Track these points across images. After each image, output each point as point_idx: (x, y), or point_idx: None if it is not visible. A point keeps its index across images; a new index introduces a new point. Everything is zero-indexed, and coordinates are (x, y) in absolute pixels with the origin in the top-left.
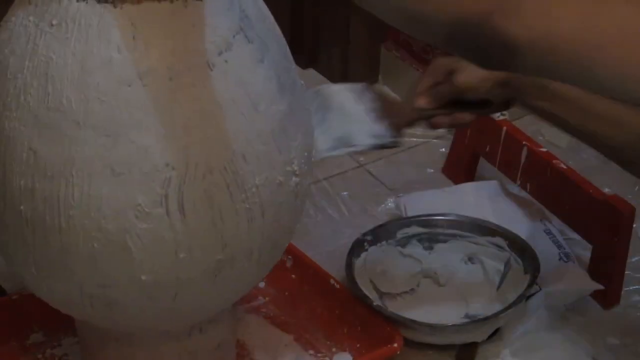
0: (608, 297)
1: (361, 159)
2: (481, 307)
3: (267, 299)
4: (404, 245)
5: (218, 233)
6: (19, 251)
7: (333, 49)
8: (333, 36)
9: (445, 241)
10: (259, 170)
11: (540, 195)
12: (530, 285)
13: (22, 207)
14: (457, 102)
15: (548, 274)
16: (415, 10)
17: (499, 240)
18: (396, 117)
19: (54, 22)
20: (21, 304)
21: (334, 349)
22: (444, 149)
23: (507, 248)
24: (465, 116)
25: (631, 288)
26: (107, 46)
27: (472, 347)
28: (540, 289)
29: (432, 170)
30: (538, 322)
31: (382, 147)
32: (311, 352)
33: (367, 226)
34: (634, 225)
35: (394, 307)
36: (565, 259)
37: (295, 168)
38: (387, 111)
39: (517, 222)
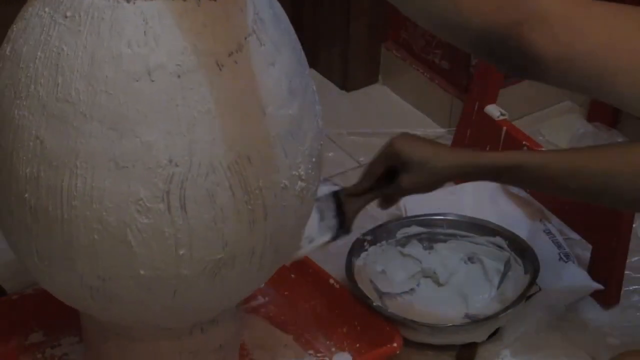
0: (608, 297)
1: (361, 158)
2: (481, 306)
3: (266, 298)
4: (403, 245)
5: (219, 232)
6: (22, 239)
7: (333, 49)
8: (333, 36)
9: (445, 241)
10: (263, 172)
11: (540, 195)
12: (530, 285)
13: (26, 195)
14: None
15: (548, 274)
16: (449, 18)
17: (498, 240)
18: (348, 210)
19: (68, 13)
20: (21, 304)
21: (333, 349)
22: None
23: (506, 248)
24: None
25: (631, 288)
26: (118, 40)
27: (472, 347)
28: (540, 289)
29: None
30: (538, 322)
31: (335, 239)
32: (311, 352)
33: (367, 226)
34: (634, 225)
35: (393, 307)
36: (565, 259)
37: (302, 172)
38: (342, 206)
39: (517, 222)
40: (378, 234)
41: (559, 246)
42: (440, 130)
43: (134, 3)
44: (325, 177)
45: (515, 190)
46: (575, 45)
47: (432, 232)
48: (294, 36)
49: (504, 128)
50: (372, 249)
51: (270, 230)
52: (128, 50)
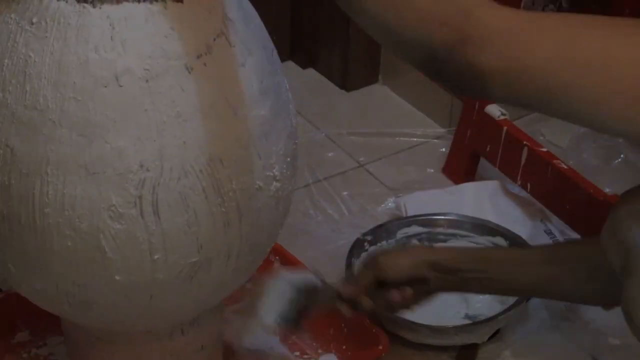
0: None
1: (361, 158)
2: (481, 307)
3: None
4: (403, 245)
5: (193, 235)
6: None
7: (333, 49)
8: (333, 36)
9: (445, 241)
10: (236, 174)
11: (540, 195)
12: None
13: None
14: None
15: None
16: (396, 32)
17: (499, 239)
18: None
19: (34, 20)
20: (7, 303)
21: (319, 351)
22: (444, 149)
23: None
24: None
25: None
26: (84, 46)
27: (472, 347)
28: None
29: (432, 170)
30: (539, 322)
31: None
32: (297, 353)
33: (367, 226)
34: None
35: None
36: None
37: (276, 173)
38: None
39: (518, 222)
40: (378, 234)
41: None
42: (440, 130)
43: (100, 8)
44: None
45: (515, 190)
46: (521, 60)
47: (433, 232)
48: (265, 35)
49: (505, 128)
50: (372, 249)
51: (245, 232)
52: (95, 55)
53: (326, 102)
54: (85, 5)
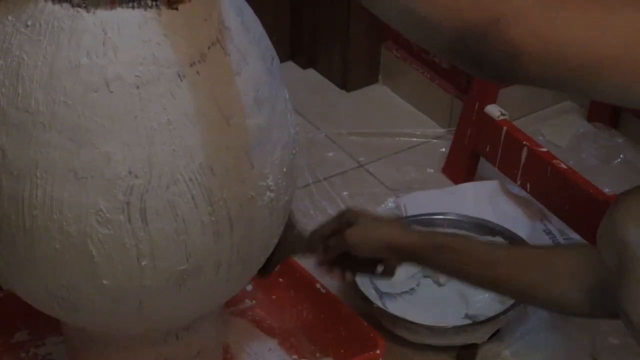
0: None
1: (361, 158)
2: (481, 307)
3: (253, 302)
4: None
5: (182, 243)
6: None
7: (333, 49)
8: (333, 36)
9: None
10: (227, 183)
11: (540, 195)
12: None
13: None
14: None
15: None
16: (423, 16)
17: (499, 239)
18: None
19: (29, 23)
20: (6, 303)
21: (317, 354)
22: (444, 149)
23: None
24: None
25: None
26: (76, 50)
27: (472, 347)
28: None
29: (432, 170)
30: (538, 322)
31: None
32: (295, 356)
33: None
34: None
35: (394, 307)
36: None
37: (271, 183)
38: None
39: (518, 222)
40: None
41: None
42: (440, 130)
43: (94, 13)
44: None
45: (515, 190)
46: (555, 38)
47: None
48: (267, 44)
49: (504, 128)
50: None
51: (237, 242)
52: (87, 60)
53: (326, 102)
54: (79, 9)
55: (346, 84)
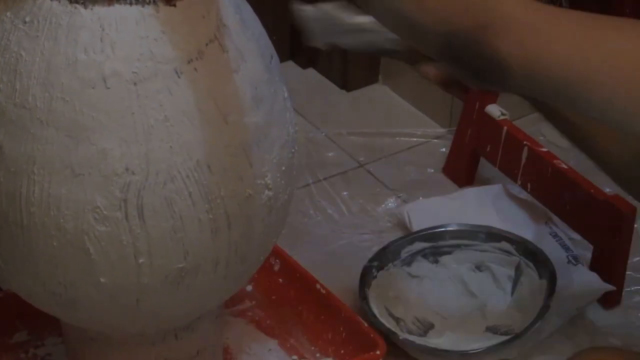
0: (609, 297)
1: (361, 158)
2: (500, 317)
3: (253, 302)
4: (409, 264)
5: (179, 241)
6: None
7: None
8: None
9: (450, 252)
10: (225, 181)
11: (541, 195)
12: (550, 295)
13: None
14: None
15: (559, 279)
16: (414, 19)
17: (504, 245)
18: None
19: (27, 19)
20: (6, 303)
21: (318, 355)
22: (444, 149)
23: (515, 252)
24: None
25: (632, 288)
26: (74, 47)
27: None
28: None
29: (432, 170)
30: (550, 328)
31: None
32: (295, 357)
33: (367, 226)
34: (635, 226)
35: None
36: (574, 262)
37: (269, 182)
38: None
39: (523, 226)
40: (384, 258)
41: (566, 249)
42: (441, 130)
43: (92, 9)
44: None
45: (515, 190)
46: (542, 51)
47: (436, 245)
48: (266, 42)
49: (505, 128)
50: (380, 274)
51: (235, 240)
52: (84, 56)
53: (326, 102)
54: (77, 5)
55: (346, 84)
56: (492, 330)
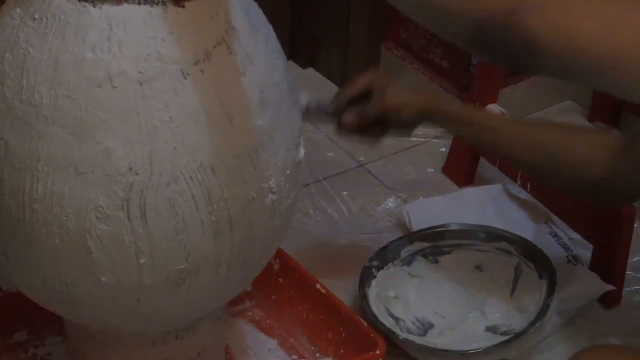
0: (609, 297)
1: (361, 158)
2: (500, 317)
3: (253, 302)
4: (409, 264)
5: (181, 242)
6: None
7: (333, 49)
8: (333, 36)
9: (450, 252)
10: (228, 184)
11: (540, 195)
12: (550, 295)
13: None
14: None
15: (559, 279)
16: (441, 6)
17: (504, 245)
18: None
19: (37, 16)
20: (6, 303)
21: (318, 355)
22: (444, 149)
23: (514, 252)
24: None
25: (632, 288)
26: (82, 45)
27: None
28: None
29: (432, 170)
30: (550, 328)
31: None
32: (295, 357)
33: (367, 226)
34: (635, 226)
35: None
36: (574, 262)
37: (273, 186)
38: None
39: (523, 226)
40: (384, 258)
41: (566, 249)
42: (440, 131)
43: (101, 8)
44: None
45: (515, 190)
46: (574, 29)
47: (436, 245)
48: (276, 46)
49: None
50: (380, 274)
51: (237, 243)
52: (91, 55)
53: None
54: (86, 4)
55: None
56: (492, 330)
